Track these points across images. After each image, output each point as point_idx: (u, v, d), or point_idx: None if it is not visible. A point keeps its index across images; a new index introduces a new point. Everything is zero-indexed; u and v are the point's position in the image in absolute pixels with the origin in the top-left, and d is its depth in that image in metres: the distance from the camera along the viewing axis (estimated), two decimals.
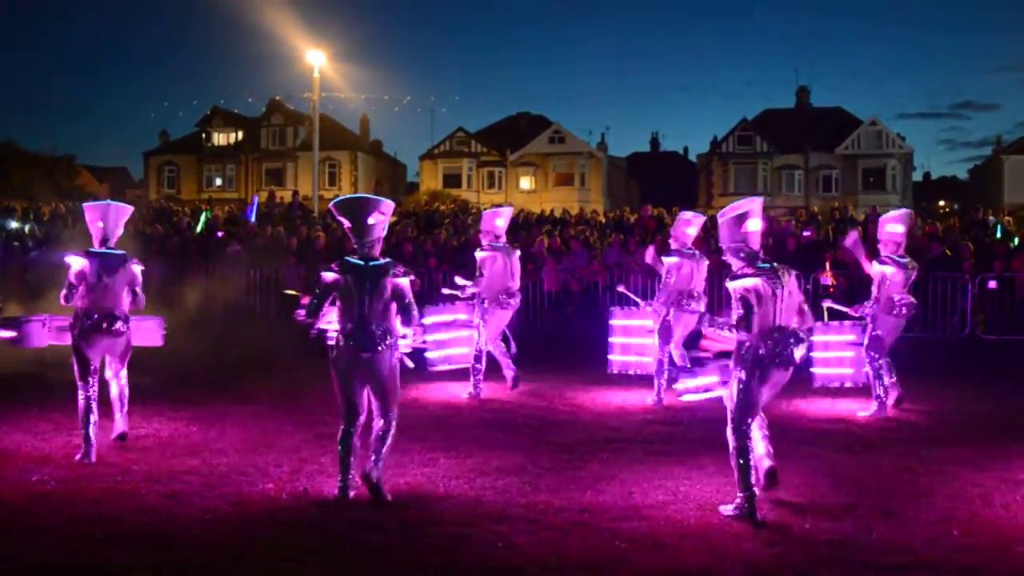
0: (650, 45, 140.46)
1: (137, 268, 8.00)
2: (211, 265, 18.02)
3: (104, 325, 7.77)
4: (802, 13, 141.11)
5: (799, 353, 6.31)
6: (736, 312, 6.28)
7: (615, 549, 5.65)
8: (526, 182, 57.54)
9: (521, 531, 5.96)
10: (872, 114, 57.37)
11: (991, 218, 22.26)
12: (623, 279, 14.77)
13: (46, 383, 10.23)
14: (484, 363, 10.87)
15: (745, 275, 6.28)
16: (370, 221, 6.64)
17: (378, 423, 6.68)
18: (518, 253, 11.25)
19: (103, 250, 7.88)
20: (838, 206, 25.68)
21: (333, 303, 6.71)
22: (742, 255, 6.39)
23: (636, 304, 11.36)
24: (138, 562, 5.38)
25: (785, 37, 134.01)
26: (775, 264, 6.43)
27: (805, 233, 17.87)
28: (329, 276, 6.62)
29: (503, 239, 10.99)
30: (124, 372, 8.21)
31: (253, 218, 22.42)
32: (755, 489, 6.23)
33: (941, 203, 41.84)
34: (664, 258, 10.59)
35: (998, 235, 17.49)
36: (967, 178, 65.10)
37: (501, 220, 11.02)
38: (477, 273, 10.74)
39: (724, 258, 6.63)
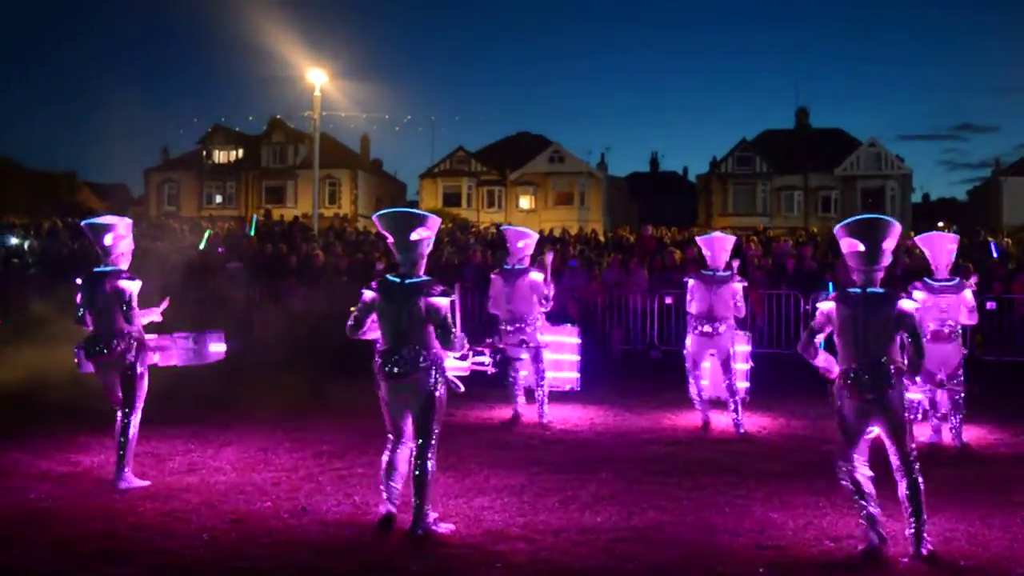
0: (650, 66, 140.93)
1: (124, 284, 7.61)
2: (211, 281, 18.00)
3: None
4: (802, 34, 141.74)
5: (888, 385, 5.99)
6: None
7: (614, 570, 5.64)
8: (526, 201, 57.59)
9: (520, 551, 5.95)
10: (872, 135, 57.55)
11: (990, 239, 22.27)
12: (622, 299, 14.73)
13: (46, 403, 10.20)
14: (519, 385, 10.82)
15: (828, 299, 6.25)
16: (414, 237, 6.36)
17: (413, 448, 6.37)
18: (526, 276, 10.56)
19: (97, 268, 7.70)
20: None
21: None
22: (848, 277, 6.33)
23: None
24: None
25: (785, 59, 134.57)
26: (867, 290, 6.13)
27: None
28: (368, 295, 6.43)
29: (521, 260, 10.70)
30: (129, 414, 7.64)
31: (252, 232, 22.50)
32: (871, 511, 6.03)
33: (940, 224, 41.87)
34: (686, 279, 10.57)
35: (994, 255, 17.47)
36: (966, 199, 65.22)
37: (522, 242, 10.77)
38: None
39: None
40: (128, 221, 7.87)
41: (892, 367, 5.93)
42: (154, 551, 5.86)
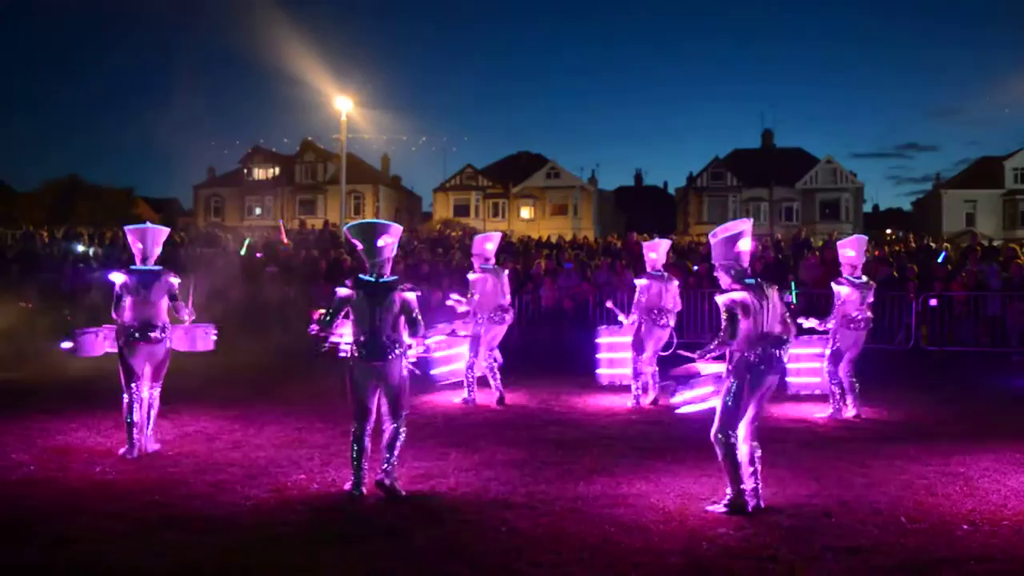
0: (635, 94, 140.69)
1: (174, 280, 7.85)
2: (251, 283, 18.03)
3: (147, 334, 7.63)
4: (768, 67, 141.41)
5: (785, 358, 6.14)
6: (722, 323, 6.10)
7: (605, 533, 5.64)
8: (526, 212, 57.59)
9: (522, 516, 5.95)
10: (828, 154, 57.44)
11: (932, 245, 22.25)
12: (611, 296, 14.73)
13: (109, 387, 10.20)
14: (475, 373, 10.58)
15: (733, 289, 6.09)
16: (380, 243, 6.44)
17: (388, 427, 6.44)
18: (507, 272, 10.94)
19: (142, 267, 7.75)
20: (801, 233, 25.63)
21: (346, 317, 6.53)
22: (732, 272, 6.15)
23: (619, 321, 11.05)
24: (187, 542, 5.38)
25: (753, 87, 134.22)
26: (759, 280, 6.20)
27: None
28: (343, 292, 6.44)
29: (492, 261, 10.63)
30: (157, 387, 7.85)
31: (285, 239, 22.51)
32: (743, 486, 6.05)
33: (888, 231, 41.86)
34: (636, 280, 10.63)
35: (940, 260, 17.45)
36: (911, 210, 65.09)
37: (491, 244, 10.70)
38: (469, 293, 10.48)
39: (716, 274, 6.31)
40: (167, 230, 8.16)
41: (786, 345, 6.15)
42: (204, 517, 5.87)
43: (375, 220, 6.64)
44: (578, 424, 9.35)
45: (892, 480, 6.97)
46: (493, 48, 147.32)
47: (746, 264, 6.25)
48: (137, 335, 7.59)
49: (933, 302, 15.05)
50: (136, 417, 7.58)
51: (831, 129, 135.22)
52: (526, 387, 11.41)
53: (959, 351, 14.58)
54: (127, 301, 7.63)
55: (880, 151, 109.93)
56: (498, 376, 10.64)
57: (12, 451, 7.68)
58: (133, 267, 7.77)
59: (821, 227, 48.45)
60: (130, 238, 7.93)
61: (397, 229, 6.58)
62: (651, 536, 5.56)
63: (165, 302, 7.74)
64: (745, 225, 6.29)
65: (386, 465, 6.40)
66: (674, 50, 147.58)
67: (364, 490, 6.41)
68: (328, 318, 6.53)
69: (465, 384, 10.55)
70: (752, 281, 6.14)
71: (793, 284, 11.76)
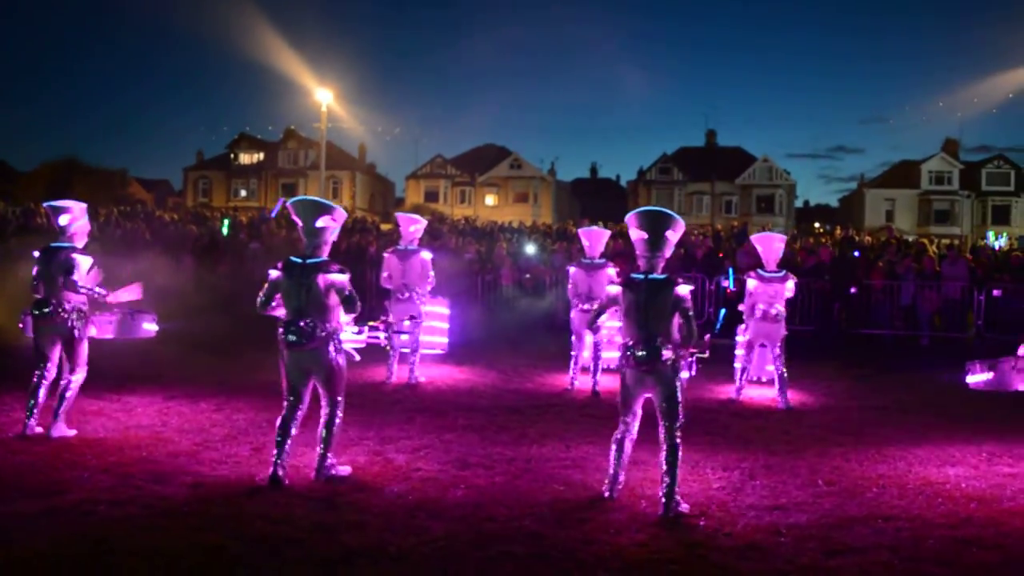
0: (591, 94, 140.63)
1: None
2: (235, 260, 17.82)
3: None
4: (712, 72, 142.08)
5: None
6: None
7: (555, 491, 5.70)
8: (490, 199, 57.40)
9: (479, 475, 5.99)
10: (765, 153, 57.84)
11: (856, 237, 22.56)
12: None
13: (98, 355, 10.07)
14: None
15: (613, 283, 5.77)
16: (319, 224, 5.74)
17: (323, 409, 5.85)
18: (422, 255, 9.83)
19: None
20: (736, 225, 25.87)
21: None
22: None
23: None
24: (173, 495, 5.36)
25: (698, 91, 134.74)
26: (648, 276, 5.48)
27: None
28: (273, 274, 5.77)
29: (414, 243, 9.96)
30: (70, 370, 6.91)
31: (274, 215, 22.09)
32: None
33: (816, 225, 42.30)
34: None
35: (856, 254, 17.67)
36: (838, 206, 65.85)
37: (414, 227, 10.00)
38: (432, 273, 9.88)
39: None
40: (83, 205, 6.99)
41: (666, 345, 5.35)
42: (188, 472, 5.84)
43: (320, 200, 5.95)
44: (533, 394, 9.40)
45: (812, 448, 7.12)
46: (463, 49, 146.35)
47: (651, 253, 5.51)
48: (34, 311, 6.87)
49: (852, 290, 15.28)
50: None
51: (768, 131, 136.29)
52: (487, 361, 11.43)
53: (876, 334, 14.85)
54: (39, 281, 6.83)
55: (812, 152, 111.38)
56: (415, 357, 9.87)
57: (11, 409, 7.57)
58: (52, 244, 6.86)
59: (757, 219, 48.96)
60: (49, 216, 6.99)
61: (341, 214, 5.89)
62: (597, 494, 5.63)
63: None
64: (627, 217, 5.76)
65: (321, 450, 5.80)
66: (627, 55, 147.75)
67: (281, 472, 5.68)
68: (263, 300, 5.82)
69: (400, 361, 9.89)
70: (640, 277, 5.48)
71: (731, 271, 11.87)
